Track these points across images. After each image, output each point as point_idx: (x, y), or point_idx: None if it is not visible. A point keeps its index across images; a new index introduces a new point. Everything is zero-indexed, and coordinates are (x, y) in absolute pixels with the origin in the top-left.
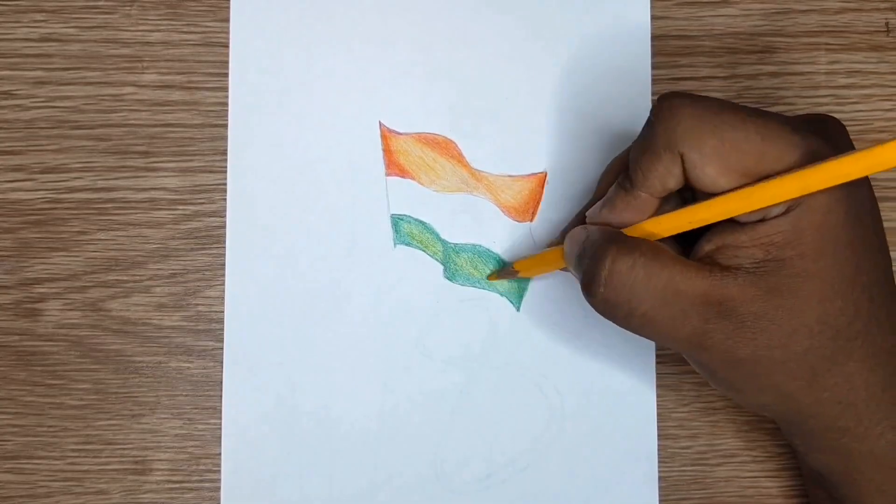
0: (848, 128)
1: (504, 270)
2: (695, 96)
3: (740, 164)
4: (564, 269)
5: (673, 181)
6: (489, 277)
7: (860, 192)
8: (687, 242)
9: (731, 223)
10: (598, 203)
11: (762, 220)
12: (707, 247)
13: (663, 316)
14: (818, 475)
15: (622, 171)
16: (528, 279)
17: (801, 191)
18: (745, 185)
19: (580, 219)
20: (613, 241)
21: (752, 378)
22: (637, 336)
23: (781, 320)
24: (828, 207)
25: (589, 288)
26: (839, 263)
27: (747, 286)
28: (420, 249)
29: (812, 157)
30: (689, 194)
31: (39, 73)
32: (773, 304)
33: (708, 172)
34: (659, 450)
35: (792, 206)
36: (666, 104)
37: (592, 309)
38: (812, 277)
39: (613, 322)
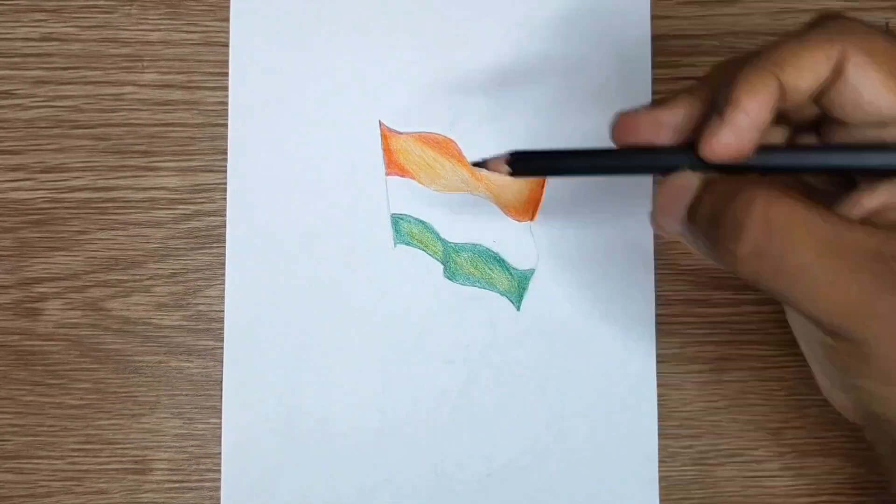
0: None
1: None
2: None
3: None
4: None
5: (816, 77)
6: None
7: None
8: None
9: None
10: (705, 128)
11: None
12: (867, 202)
13: (827, 269)
14: None
15: (749, 69)
16: (528, 278)
17: None
18: None
19: (659, 127)
20: (756, 184)
21: None
22: (637, 335)
23: None
24: None
25: (731, 239)
26: None
27: None
28: (420, 249)
29: None
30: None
31: (39, 72)
32: None
33: (873, 80)
34: (659, 449)
35: None
36: (831, 15)
37: (721, 262)
38: None
39: (755, 281)
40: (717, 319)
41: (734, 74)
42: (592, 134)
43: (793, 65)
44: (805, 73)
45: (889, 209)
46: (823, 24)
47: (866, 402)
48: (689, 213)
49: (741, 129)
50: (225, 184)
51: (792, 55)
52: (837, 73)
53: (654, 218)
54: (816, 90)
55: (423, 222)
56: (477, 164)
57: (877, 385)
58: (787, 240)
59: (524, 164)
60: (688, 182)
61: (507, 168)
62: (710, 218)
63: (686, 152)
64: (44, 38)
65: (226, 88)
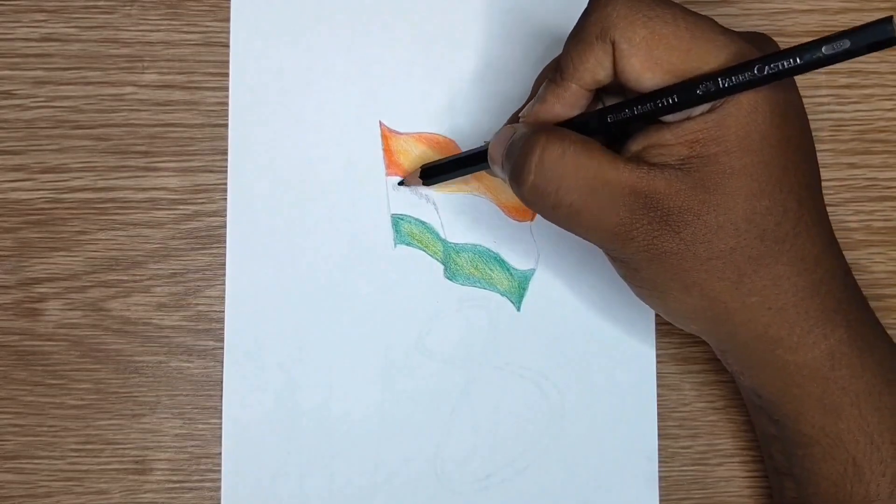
0: (849, 127)
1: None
2: None
3: (667, 59)
4: (487, 171)
5: (603, 72)
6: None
7: (788, 95)
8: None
9: (657, 123)
10: (530, 103)
11: (687, 119)
12: (634, 146)
13: (591, 206)
14: (757, 396)
15: (550, 71)
16: (528, 278)
17: (722, 94)
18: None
19: (513, 121)
20: (543, 131)
21: (676, 274)
22: (636, 335)
23: (707, 215)
24: (753, 106)
25: (518, 177)
26: (765, 162)
27: (673, 180)
28: (420, 249)
29: (739, 60)
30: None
31: (39, 72)
32: (698, 198)
33: (634, 64)
34: (659, 449)
35: (715, 105)
36: None
37: (518, 198)
38: (738, 174)
39: (541, 214)
40: None
41: (547, 88)
42: None
43: (584, 70)
44: (597, 70)
45: (651, 148)
46: (594, 11)
47: (654, 308)
48: (505, 157)
49: (549, 108)
50: (225, 184)
51: (580, 62)
52: (615, 60)
53: (489, 162)
54: (611, 75)
55: (423, 222)
56: (401, 184)
57: (646, 292)
58: (558, 179)
59: (432, 172)
60: (508, 132)
61: (420, 180)
62: (504, 162)
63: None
64: (44, 39)
65: (226, 88)
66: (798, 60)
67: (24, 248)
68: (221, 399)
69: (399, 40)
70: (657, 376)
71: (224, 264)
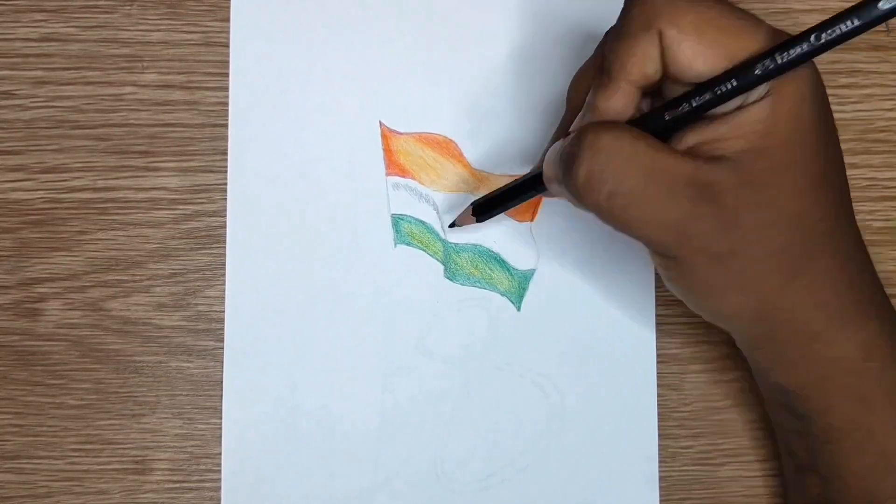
0: (849, 127)
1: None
2: None
3: (718, 41)
4: (544, 194)
5: (652, 65)
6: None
7: (821, 85)
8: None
9: (708, 117)
10: (579, 115)
11: (740, 109)
12: (684, 144)
13: (650, 195)
14: (783, 393)
15: (595, 75)
16: (528, 278)
17: (779, 71)
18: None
19: (559, 138)
20: (595, 122)
21: (733, 276)
22: (637, 335)
23: (760, 211)
24: (801, 95)
25: (570, 167)
26: (813, 155)
27: (730, 173)
28: (420, 249)
29: (778, 40)
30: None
31: (39, 72)
32: (753, 195)
33: (685, 50)
34: (660, 449)
35: (766, 92)
36: None
37: (571, 195)
38: (790, 168)
39: (594, 208)
40: None
41: (595, 93)
42: None
43: (633, 65)
44: (646, 63)
45: (704, 144)
46: (636, 4)
47: (695, 309)
48: (558, 163)
49: (600, 115)
50: (225, 184)
51: (627, 58)
52: (663, 50)
53: (544, 183)
54: (660, 70)
55: (423, 222)
56: (452, 225)
57: (701, 298)
58: (614, 166)
59: (483, 208)
60: (558, 146)
61: (473, 218)
62: (561, 158)
63: None
64: (44, 39)
65: (226, 88)
66: (856, 22)
67: (24, 248)
68: (221, 399)
69: (399, 40)
70: (657, 376)
71: (224, 264)
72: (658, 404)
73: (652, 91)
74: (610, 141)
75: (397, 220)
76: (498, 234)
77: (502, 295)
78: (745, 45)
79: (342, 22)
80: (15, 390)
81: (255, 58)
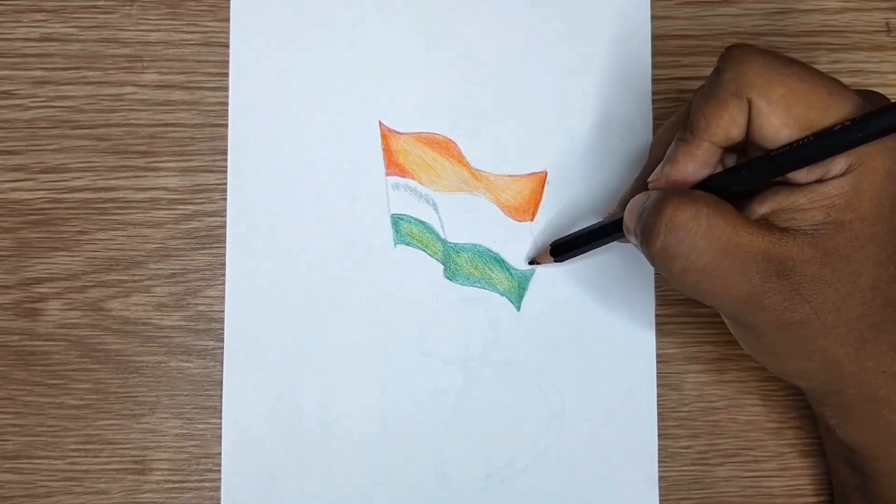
0: None
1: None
2: (763, 48)
3: (805, 116)
4: (620, 240)
5: (737, 130)
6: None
7: None
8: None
9: (787, 185)
10: (659, 165)
11: (820, 181)
12: (761, 209)
13: (723, 270)
14: (848, 450)
15: (678, 131)
16: (528, 278)
17: (864, 140)
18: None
19: (639, 186)
20: (675, 193)
21: (801, 343)
22: (637, 335)
23: (838, 284)
24: (888, 171)
25: (647, 238)
26: (893, 228)
27: (806, 247)
28: (420, 249)
29: (865, 111)
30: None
31: (39, 72)
32: (830, 267)
33: (773, 122)
34: (659, 449)
35: (851, 167)
36: (737, 51)
37: (647, 260)
38: (869, 242)
39: (669, 276)
40: (717, 319)
41: (678, 147)
42: (593, 134)
43: (718, 126)
44: (731, 127)
45: (781, 212)
46: (729, 69)
47: (761, 362)
48: (637, 221)
49: (680, 168)
50: (225, 184)
51: (714, 119)
52: (751, 119)
53: (624, 232)
54: (744, 133)
55: (423, 222)
56: (532, 262)
57: (769, 359)
58: (690, 241)
59: (562, 248)
60: (640, 200)
61: (551, 258)
62: (640, 222)
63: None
64: (44, 39)
65: (226, 88)
66: None
67: (24, 248)
68: (221, 399)
69: (399, 40)
70: (657, 376)
71: (224, 264)
72: (658, 404)
73: (734, 149)
74: (687, 219)
75: (397, 220)
76: (498, 234)
77: (502, 295)
78: (831, 120)
79: (342, 22)
80: (15, 390)
81: (255, 58)
